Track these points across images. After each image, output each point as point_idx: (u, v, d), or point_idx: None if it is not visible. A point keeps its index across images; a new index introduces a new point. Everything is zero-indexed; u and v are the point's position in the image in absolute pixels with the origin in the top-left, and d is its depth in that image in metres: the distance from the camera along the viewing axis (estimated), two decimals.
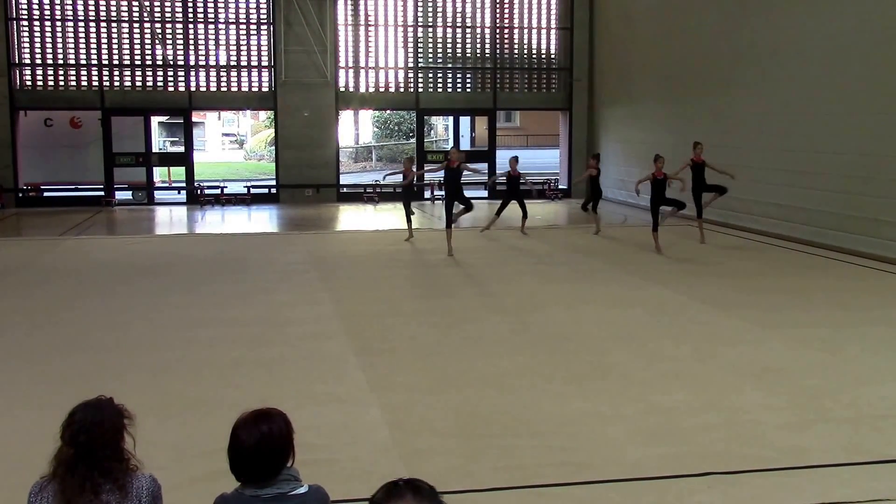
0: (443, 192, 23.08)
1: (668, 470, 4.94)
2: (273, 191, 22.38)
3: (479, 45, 23.10)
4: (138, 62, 21.40)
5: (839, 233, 13.15)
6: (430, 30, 22.80)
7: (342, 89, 22.28)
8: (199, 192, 22.12)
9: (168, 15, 21.50)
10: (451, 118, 31.35)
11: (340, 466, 4.96)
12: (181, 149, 24.82)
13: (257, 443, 2.55)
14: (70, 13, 21.06)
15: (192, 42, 21.60)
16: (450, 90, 23.08)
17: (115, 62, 21.28)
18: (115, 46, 21.25)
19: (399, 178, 15.40)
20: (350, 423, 5.74)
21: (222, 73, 21.83)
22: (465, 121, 33.85)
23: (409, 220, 14.71)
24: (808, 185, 14.01)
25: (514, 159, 15.46)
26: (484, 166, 24.13)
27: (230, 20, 21.77)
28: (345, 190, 23.26)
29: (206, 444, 5.12)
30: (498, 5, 22.92)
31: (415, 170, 15.43)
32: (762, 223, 15.17)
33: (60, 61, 21.10)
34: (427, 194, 22.77)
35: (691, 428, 5.62)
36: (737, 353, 7.45)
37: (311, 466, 4.23)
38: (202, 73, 21.73)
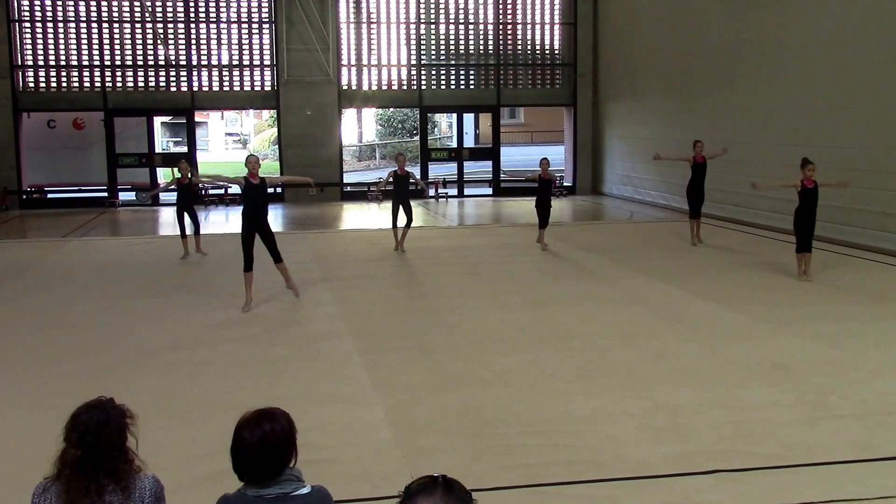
0: (446, 191, 23.16)
1: (674, 468, 4.90)
2: (277, 190, 22.37)
3: (482, 42, 23.06)
4: (140, 63, 21.42)
5: (846, 227, 13.06)
6: (433, 26, 22.77)
7: (345, 87, 22.26)
8: (202, 192, 22.11)
9: (169, 15, 21.52)
10: (454, 115, 31.30)
11: (344, 466, 4.93)
12: (184, 149, 24.83)
13: (260, 442, 2.53)
14: (72, 15, 21.08)
15: (193, 42, 21.61)
16: (453, 87, 23.04)
17: (118, 63, 21.30)
18: (117, 47, 21.27)
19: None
20: (353, 423, 5.71)
21: (224, 73, 21.83)
22: (468, 118, 33.81)
23: None
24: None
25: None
26: (488, 164, 24.16)
27: (232, 19, 21.77)
28: (348, 189, 23.24)
29: (209, 444, 5.10)
30: (501, 1, 22.87)
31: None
32: (768, 218, 15.10)
33: (63, 63, 21.12)
34: (431, 192, 22.73)
35: (698, 425, 5.58)
36: (744, 349, 7.40)
37: (315, 466, 4.21)
38: (204, 73, 21.75)
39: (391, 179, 13.37)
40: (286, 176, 11.78)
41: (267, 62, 21.91)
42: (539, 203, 13.37)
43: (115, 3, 21.28)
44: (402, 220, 13.18)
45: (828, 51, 13.71)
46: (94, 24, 21.15)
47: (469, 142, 34.46)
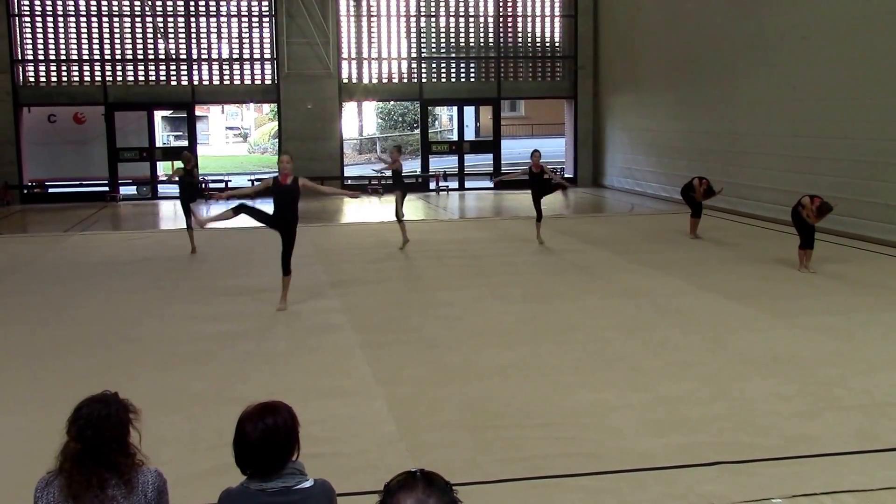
0: (447, 184, 23.14)
1: (676, 460, 4.90)
2: None
3: (482, 34, 22.99)
4: (141, 57, 21.38)
5: (850, 218, 13.04)
6: (433, 19, 22.71)
7: (345, 81, 22.22)
8: (203, 186, 22.07)
9: (169, 9, 21.47)
10: (455, 108, 31.22)
11: (347, 460, 4.94)
12: (185, 143, 24.80)
13: (262, 436, 2.54)
14: (72, 9, 21.03)
15: (194, 35, 21.56)
16: (453, 80, 22.99)
17: (118, 57, 21.26)
18: (117, 41, 21.23)
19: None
20: (356, 416, 5.72)
21: (225, 67, 21.79)
22: (469, 111, 33.73)
23: None
24: (817, 170, 13.90)
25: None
26: (489, 157, 24.14)
27: (232, 13, 21.73)
28: (349, 182, 23.21)
29: (212, 438, 5.11)
30: None
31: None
32: (771, 210, 15.06)
33: (63, 57, 21.08)
34: (432, 185, 22.72)
35: (700, 417, 5.58)
36: (746, 341, 7.40)
37: (318, 460, 4.21)
38: (205, 67, 21.71)
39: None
40: (329, 188, 10.60)
41: (267, 56, 21.87)
42: (534, 197, 12.98)
43: None
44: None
45: (830, 41, 13.67)
46: (94, 19, 21.10)
47: (470, 135, 34.40)
